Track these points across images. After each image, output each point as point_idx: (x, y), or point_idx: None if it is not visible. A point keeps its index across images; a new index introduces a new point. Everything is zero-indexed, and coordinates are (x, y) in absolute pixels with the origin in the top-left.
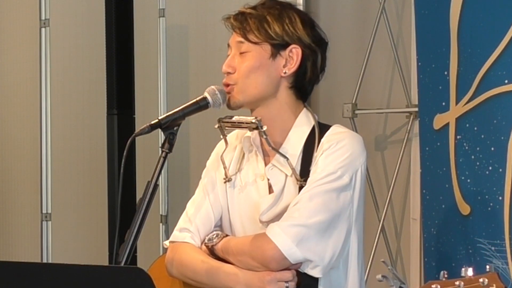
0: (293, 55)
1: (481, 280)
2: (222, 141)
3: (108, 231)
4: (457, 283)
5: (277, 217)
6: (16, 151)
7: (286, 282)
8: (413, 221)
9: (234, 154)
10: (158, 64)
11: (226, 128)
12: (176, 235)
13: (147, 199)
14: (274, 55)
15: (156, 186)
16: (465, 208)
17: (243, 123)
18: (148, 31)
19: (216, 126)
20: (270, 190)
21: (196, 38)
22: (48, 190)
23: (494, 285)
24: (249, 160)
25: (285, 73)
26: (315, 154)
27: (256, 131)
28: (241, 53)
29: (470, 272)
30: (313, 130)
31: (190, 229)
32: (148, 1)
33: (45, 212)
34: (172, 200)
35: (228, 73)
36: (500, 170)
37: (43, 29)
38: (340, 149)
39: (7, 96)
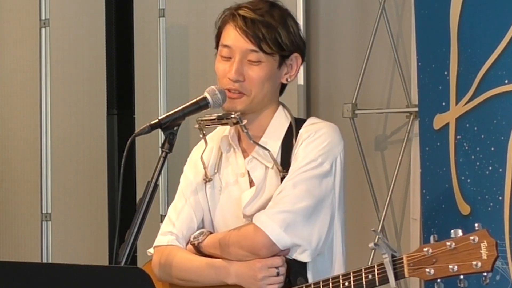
0: (293, 63)
1: (471, 237)
2: (198, 144)
3: (108, 231)
4: (448, 243)
5: (260, 209)
6: (16, 151)
7: (277, 268)
8: (413, 221)
9: (212, 155)
10: (158, 64)
11: (206, 126)
12: (160, 239)
13: (147, 199)
14: (280, 64)
15: (156, 186)
16: (465, 208)
17: (223, 119)
18: (148, 31)
19: (196, 126)
20: (251, 185)
21: (196, 38)
22: (48, 190)
23: (484, 241)
24: (228, 160)
25: (287, 80)
26: (294, 145)
27: (233, 128)
28: (250, 61)
29: (459, 233)
30: (291, 123)
31: (174, 231)
32: (148, 1)
33: (45, 212)
34: (172, 200)
35: (238, 80)
36: (500, 170)
37: (43, 29)
38: (319, 138)
39: (7, 96)
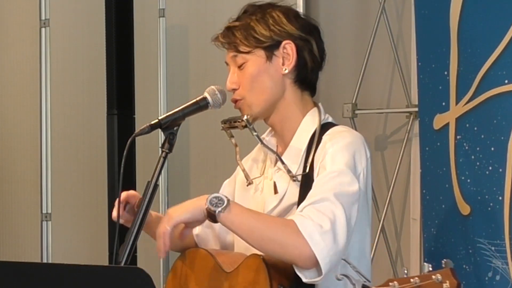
0: (288, 51)
1: (434, 276)
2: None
3: (108, 231)
4: (412, 280)
5: (280, 217)
6: (16, 151)
7: None
8: (413, 221)
9: (260, 158)
10: (158, 64)
11: (227, 129)
12: None
13: (147, 199)
14: (269, 57)
15: (156, 186)
16: (465, 208)
17: (236, 121)
18: (148, 31)
19: (221, 129)
20: (275, 190)
21: (196, 38)
22: (48, 190)
23: (447, 281)
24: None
25: (285, 70)
26: (313, 150)
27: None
28: (239, 67)
29: (428, 268)
30: (316, 130)
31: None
32: (148, 1)
33: (45, 212)
34: (172, 200)
35: (233, 89)
36: (500, 170)
37: (43, 29)
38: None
39: (7, 96)
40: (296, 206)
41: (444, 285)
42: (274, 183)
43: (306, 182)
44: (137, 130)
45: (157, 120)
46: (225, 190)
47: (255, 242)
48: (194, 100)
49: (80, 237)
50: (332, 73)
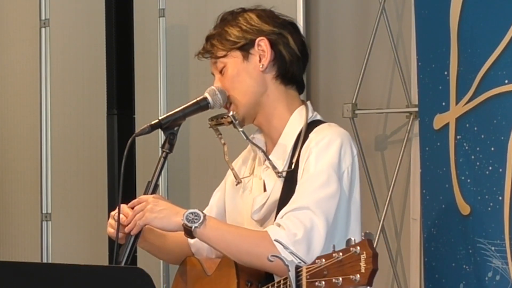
0: (262, 47)
1: (352, 249)
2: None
3: None
4: (335, 254)
5: (266, 214)
6: (16, 151)
7: None
8: (413, 221)
9: (250, 157)
10: (158, 64)
11: (216, 126)
12: None
13: None
14: (245, 56)
15: (156, 186)
16: (465, 208)
17: (222, 118)
18: (148, 31)
19: (209, 127)
20: (265, 188)
21: (196, 38)
22: (48, 190)
23: (364, 252)
24: (254, 161)
25: (262, 65)
26: (298, 148)
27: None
28: (220, 72)
29: (352, 242)
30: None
31: None
32: (148, 1)
33: (45, 212)
34: (172, 200)
35: None
36: (500, 170)
37: (43, 29)
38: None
39: (7, 96)
40: (277, 203)
41: (362, 256)
42: (264, 181)
43: (290, 179)
44: (137, 130)
45: (157, 120)
46: (214, 199)
47: (232, 255)
48: (195, 100)
49: (80, 237)
50: (332, 73)
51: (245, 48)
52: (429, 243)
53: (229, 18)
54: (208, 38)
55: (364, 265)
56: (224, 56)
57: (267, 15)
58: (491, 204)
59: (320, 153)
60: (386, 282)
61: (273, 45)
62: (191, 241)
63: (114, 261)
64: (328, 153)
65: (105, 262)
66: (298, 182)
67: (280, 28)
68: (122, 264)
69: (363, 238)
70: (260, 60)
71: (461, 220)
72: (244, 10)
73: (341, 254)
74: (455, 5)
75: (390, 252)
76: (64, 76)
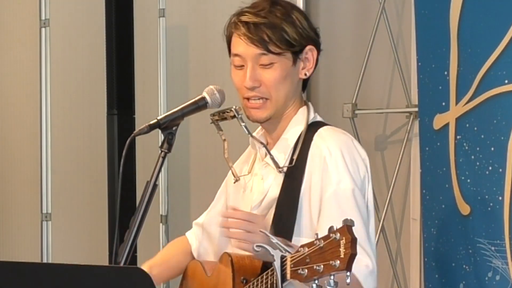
0: (309, 56)
1: (332, 235)
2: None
3: (108, 231)
4: (316, 241)
5: (264, 210)
6: (16, 151)
7: None
8: (413, 221)
9: (250, 158)
10: (158, 64)
11: (217, 121)
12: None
13: (146, 199)
14: (294, 61)
15: (155, 186)
16: (465, 208)
17: (225, 112)
18: (148, 31)
19: (210, 122)
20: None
21: (196, 38)
22: (48, 190)
23: (343, 238)
24: (255, 158)
25: (305, 75)
26: (298, 148)
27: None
28: (262, 65)
29: (333, 229)
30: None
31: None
32: (148, 1)
33: (45, 212)
34: (172, 200)
35: (254, 87)
36: (500, 170)
37: (43, 29)
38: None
39: (7, 96)
40: (276, 201)
41: (341, 241)
42: (263, 180)
43: (290, 175)
44: (136, 130)
45: (155, 120)
46: (218, 206)
47: None
48: (193, 100)
49: (80, 237)
50: (332, 73)
51: (297, 53)
52: (429, 243)
53: (281, 12)
54: (257, 25)
55: (343, 250)
56: (278, 54)
57: (309, 19)
58: (491, 204)
59: (338, 166)
60: (386, 282)
61: (317, 55)
62: (193, 246)
63: (114, 261)
64: (345, 164)
65: (105, 262)
66: (311, 192)
67: (319, 37)
68: (122, 264)
69: (343, 224)
70: (303, 68)
71: (461, 220)
72: (293, 7)
73: (322, 241)
74: (455, 5)
75: (390, 252)
76: (64, 76)
